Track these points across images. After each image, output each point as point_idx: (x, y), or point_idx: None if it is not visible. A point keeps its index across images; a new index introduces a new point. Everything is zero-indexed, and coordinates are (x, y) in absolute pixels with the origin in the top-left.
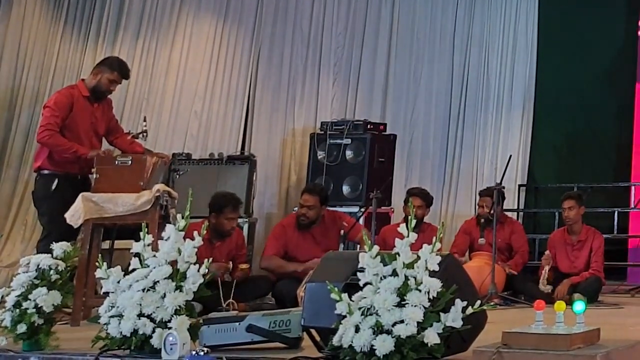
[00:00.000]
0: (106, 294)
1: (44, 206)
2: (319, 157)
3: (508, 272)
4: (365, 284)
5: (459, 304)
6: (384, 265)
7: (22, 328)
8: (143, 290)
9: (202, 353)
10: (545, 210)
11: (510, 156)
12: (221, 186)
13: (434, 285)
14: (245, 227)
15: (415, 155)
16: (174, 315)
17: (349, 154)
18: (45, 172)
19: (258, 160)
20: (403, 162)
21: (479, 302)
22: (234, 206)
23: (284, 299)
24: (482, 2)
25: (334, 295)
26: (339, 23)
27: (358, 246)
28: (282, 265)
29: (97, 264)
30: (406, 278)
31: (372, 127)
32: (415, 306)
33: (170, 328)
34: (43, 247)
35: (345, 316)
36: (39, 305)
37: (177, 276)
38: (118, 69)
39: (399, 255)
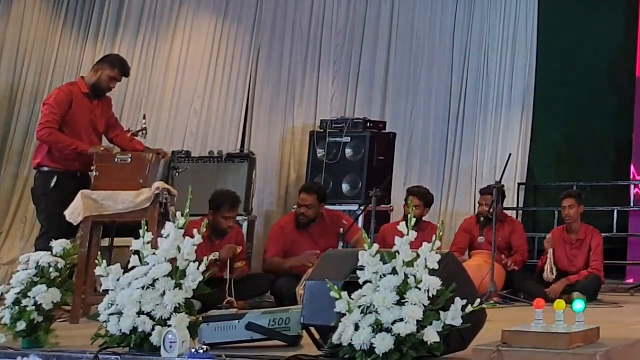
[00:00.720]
0: (105, 291)
1: (43, 203)
2: (319, 155)
3: (509, 268)
4: (365, 282)
5: (459, 302)
6: (384, 264)
7: (21, 325)
8: (142, 287)
9: (201, 351)
10: (544, 208)
11: (510, 154)
12: (220, 184)
13: (434, 284)
14: (245, 225)
15: (415, 153)
16: (174, 313)
17: (348, 152)
18: (45, 169)
19: (257, 158)
20: (402, 160)
21: (478, 300)
22: (231, 205)
23: (283, 297)
24: (482, 0)
25: (333, 293)
26: (338, 21)
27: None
28: (279, 264)
29: (96, 261)
30: (406, 276)
31: (371, 125)
32: (414, 304)
33: (169, 326)
34: (41, 245)
35: (344, 314)
36: (39, 303)
37: (177, 274)
38: (118, 66)
39: (398, 253)
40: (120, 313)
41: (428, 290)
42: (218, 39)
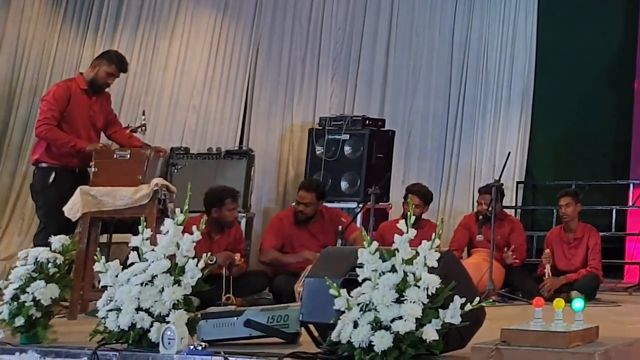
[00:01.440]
0: (104, 287)
1: (41, 199)
2: (317, 153)
3: (510, 260)
4: (364, 280)
5: (458, 300)
6: (383, 261)
7: (19, 321)
8: (141, 284)
9: (199, 347)
10: (543, 207)
11: (509, 153)
12: (219, 181)
13: (433, 282)
14: (243, 222)
15: (414, 151)
16: (172, 310)
17: (347, 149)
18: (43, 165)
19: (256, 155)
20: (401, 158)
21: (477, 298)
22: (233, 197)
23: (281, 294)
24: None
25: (332, 291)
26: (338, 18)
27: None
28: (278, 258)
29: (95, 257)
30: (405, 274)
31: (370, 122)
32: (413, 302)
33: (168, 322)
34: (40, 240)
35: (343, 312)
36: (37, 299)
37: (176, 270)
38: (116, 62)
39: (398, 251)
40: (118, 309)
41: (427, 289)
42: (217, 35)
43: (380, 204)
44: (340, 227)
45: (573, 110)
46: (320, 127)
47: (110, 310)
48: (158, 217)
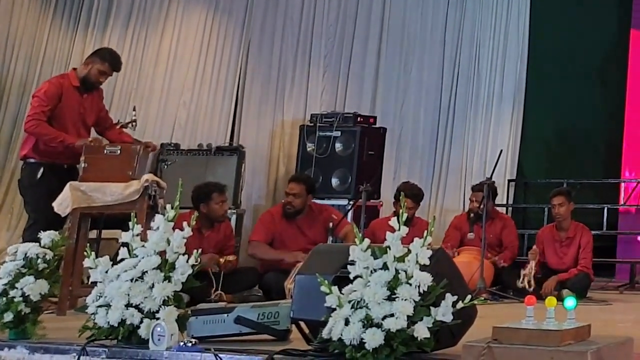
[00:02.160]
0: (94, 283)
1: (29, 195)
2: (308, 149)
3: (499, 264)
4: (356, 277)
5: (450, 298)
6: (375, 259)
7: (8, 317)
8: (131, 280)
9: (189, 344)
10: (534, 205)
11: (501, 151)
12: (209, 177)
13: (425, 279)
14: (233, 218)
15: (405, 148)
16: (162, 306)
17: (338, 146)
18: (31, 160)
19: (247, 152)
20: (392, 155)
21: (469, 296)
22: (220, 190)
23: (272, 291)
24: None
25: (323, 288)
26: (329, 15)
27: (344, 241)
28: (269, 252)
29: (85, 253)
30: (397, 272)
31: (362, 119)
32: (405, 300)
33: (158, 319)
34: (29, 236)
35: (335, 309)
36: (26, 294)
37: (166, 267)
38: (109, 60)
39: (389, 248)
40: (108, 305)
41: (419, 286)
42: (208, 32)
43: (371, 201)
44: (331, 223)
45: (565, 108)
46: (312, 124)
47: (100, 306)
48: (148, 213)
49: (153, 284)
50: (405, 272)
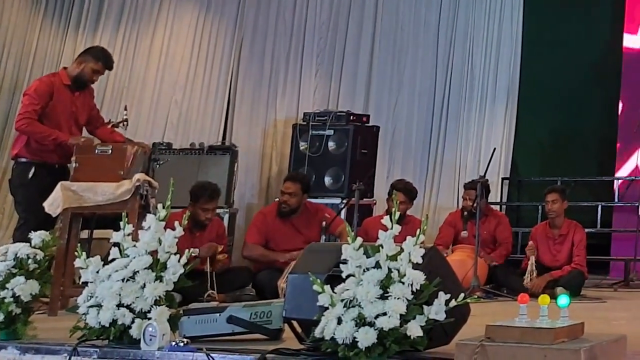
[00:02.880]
0: (85, 283)
1: (20, 194)
2: (301, 148)
3: (491, 264)
4: (348, 276)
5: (442, 296)
6: (367, 257)
7: None
8: (122, 280)
9: (181, 344)
10: (528, 203)
11: (495, 149)
12: (202, 176)
13: (418, 278)
14: (226, 217)
15: (398, 147)
16: (154, 306)
17: (331, 145)
18: (22, 160)
19: (239, 151)
20: (386, 153)
21: (462, 295)
22: (209, 196)
23: (264, 290)
24: None
25: (316, 287)
26: (322, 13)
27: (338, 239)
28: (265, 254)
29: (76, 253)
30: (389, 270)
31: (355, 118)
32: (398, 298)
33: (149, 319)
34: (19, 236)
35: (327, 308)
36: (17, 295)
37: (158, 266)
38: (103, 59)
39: (382, 247)
40: (99, 305)
41: (412, 285)
42: (200, 31)
43: (364, 199)
44: (324, 222)
45: (558, 106)
46: (304, 123)
47: (91, 306)
48: (140, 212)
49: (144, 284)
50: (398, 270)
